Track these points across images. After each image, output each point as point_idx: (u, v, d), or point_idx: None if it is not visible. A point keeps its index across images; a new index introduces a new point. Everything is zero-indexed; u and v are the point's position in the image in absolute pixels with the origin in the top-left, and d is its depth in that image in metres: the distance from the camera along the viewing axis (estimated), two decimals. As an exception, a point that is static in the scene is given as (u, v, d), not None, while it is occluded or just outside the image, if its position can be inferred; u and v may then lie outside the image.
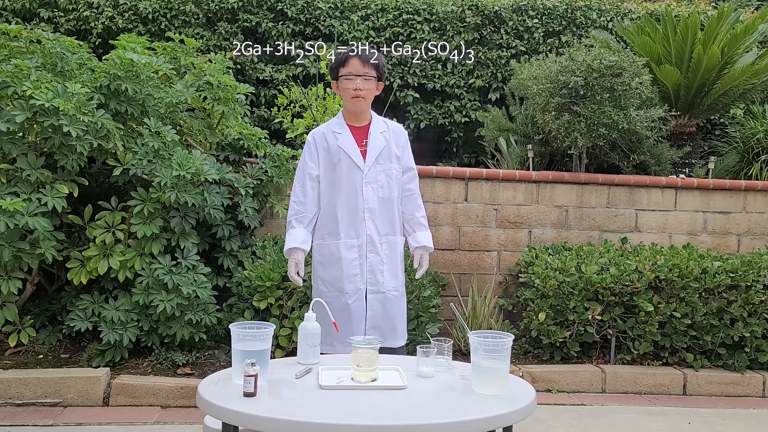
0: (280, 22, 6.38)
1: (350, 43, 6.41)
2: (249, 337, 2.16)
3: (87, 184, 4.15)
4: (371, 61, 3.09)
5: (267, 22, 6.31)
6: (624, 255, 4.74)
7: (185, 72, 4.88)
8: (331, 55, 6.03)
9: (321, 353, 2.49)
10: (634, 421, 3.98)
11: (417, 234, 3.24)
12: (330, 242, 3.15)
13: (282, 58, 6.43)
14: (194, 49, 4.98)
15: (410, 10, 6.50)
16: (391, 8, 6.48)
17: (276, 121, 5.86)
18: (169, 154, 4.14)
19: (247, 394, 2.00)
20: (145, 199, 4.12)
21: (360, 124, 3.20)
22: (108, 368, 4.03)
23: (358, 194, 3.13)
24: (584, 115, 5.12)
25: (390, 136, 3.22)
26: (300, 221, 3.14)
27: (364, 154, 3.14)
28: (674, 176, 5.56)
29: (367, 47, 3.20)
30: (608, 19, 6.70)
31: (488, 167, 5.85)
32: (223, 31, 6.28)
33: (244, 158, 4.87)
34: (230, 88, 4.63)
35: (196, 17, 6.25)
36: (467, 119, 6.51)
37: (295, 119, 5.66)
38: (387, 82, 6.46)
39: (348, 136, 3.16)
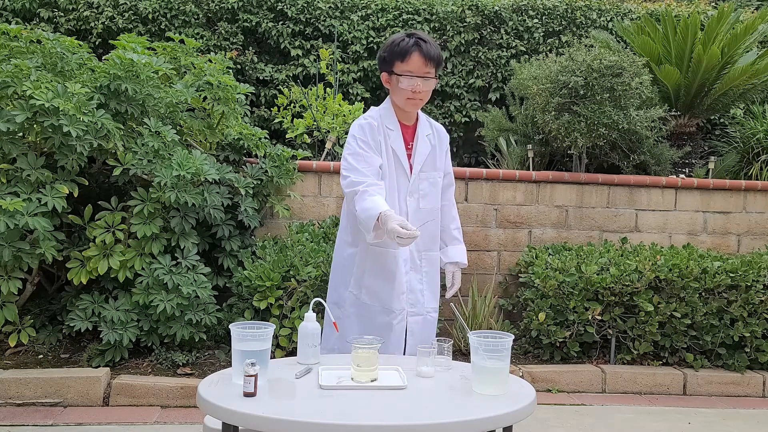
0: (280, 22, 6.38)
1: (350, 43, 6.41)
2: (249, 337, 2.15)
3: (87, 184, 4.15)
4: (434, 58, 2.69)
5: (267, 22, 6.31)
6: (624, 255, 4.74)
7: (185, 72, 4.88)
8: (331, 54, 6.03)
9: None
10: (634, 421, 3.98)
11: (449, 248, 2.95)
12: (385, 249, 2.72)
13: (282, 58, 6.43)
14: (194, 49, 4.98)
15: (410, 10, 6.50)
16: (391, 8, 6.48)
17: (276, 121, 5.86)
18: (169, 154, 4.14)
19: (247, 394, 2.00)
20: (145, 199, 4.12)
21: (409, 122, 2.84)
22: (108, 368, 4.03)
23: (401, 204, 2.77)
24: (584, 115, 5.12)
25: (435, 140, 2.88)
26: (379, 192, 2.58)
27: (409, 158, 2.80)
28: (674, 176, 5.56)
29: (429, 39, 2.71)
30: (608, 19, 6.70)
31: (488, 167, 5.85)
32: (223, 31, 6.28)
33: (244, 158, 4.87)
34: (230, 88, 4.63)
35: (196, 17, 6.25)
36: (467, 119, 6.51)
37: (295, 119, 5.66)
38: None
39: (398, 136, 2.79)
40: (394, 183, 2.76)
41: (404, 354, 2.79)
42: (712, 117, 6.69)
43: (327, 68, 5.98)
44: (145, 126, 4.17)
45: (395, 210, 2.68)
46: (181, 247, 4.22)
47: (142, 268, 4.10)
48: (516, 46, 6.55)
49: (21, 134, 4.02)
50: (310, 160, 5.18)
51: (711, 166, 5.75)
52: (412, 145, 2.82)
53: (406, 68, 2.67)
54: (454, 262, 2.94)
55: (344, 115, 5.49)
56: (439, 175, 2.88)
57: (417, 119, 2.86)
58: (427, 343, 2.68)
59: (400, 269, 2.75)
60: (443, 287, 2.99)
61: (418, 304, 2.84)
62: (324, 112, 5.62)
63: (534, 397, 2.13)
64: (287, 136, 5.66)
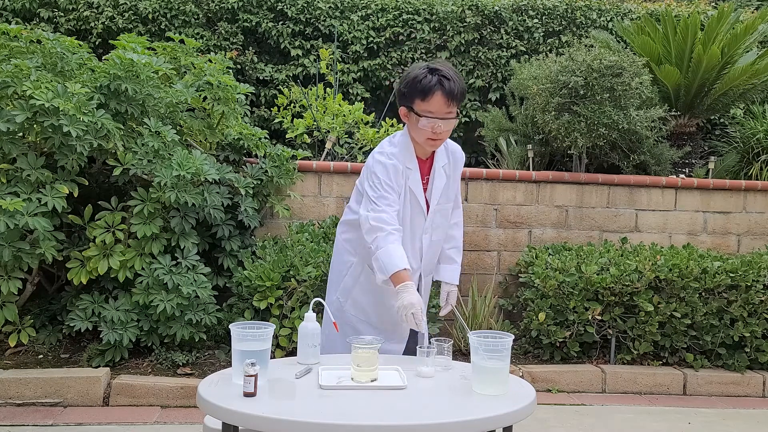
0: (280, 22, 6.38)
1: (350, 43, 6.41)
2: (249, 337, 2.16)
3: (87, 184, 4.15)
4: (457, 98, 2.52)
5: (267, 22, 6.31)
6: (624, 255, 4.74)
7: (185, 72, 4.88)
8: (331, 54, 6.03)
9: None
10: (634, 421, 3.98)
11: (440, 266, 2.89)
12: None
13: (282, 58, 6.43)
14: (194, 49, 4.98)
15: (410, 10, 6.50)
16: (391, 8, 6.48)
17: (276, 121, 5.86)
18: (169, 154, 4.14)
19: (247, 394, 2.00)
20: (145, 199, 4.12)
21: (425, 156, 2.71)
22: (108, 368, 4.03)
23: (416, 241, 2.71)
24: (584, 115, 5.12)
25: (450, 169, 2.76)
26: (399, 240, 2.52)
27: (425, 191, 2.70)
28: (674, 176, 5.56)
29: (452, 76, 2.51)
30: (608, 19, 6.70)
31: (488, 167, 5.84)
32: (223, 31, 6.28)
33: (244, 158, 4.87)
34: (230, 88, 4.62)
35: (196, 17, 6.25)
36: (467, 119, 6.51)
37: (295, 119, 5.66)
38: (387, 82, 6.47)
39: (417, 175, 2.66)
40: (412, 220, 2.68)
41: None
42: (712, 117, 6.69)
43: (327, 68, 5.98)
44: (145, 126, 4.17)
45: (410, 249, 2.64)
46: (181, 247, 4.22)
47: (142, 268, 4.10)
48: (516, 46, 6.55)
49: (21, 134, 4.02)
50: (310, 160, 5.18)
51: (711, 166, 5.75)
52: (428, 179, 2.71)
53: (427, 108, 2.50)
54: (448, 282, 2.87)
55: (344, 115, 5.49)
56: (451, 205, 2.80)
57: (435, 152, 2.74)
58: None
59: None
60: (437, 306, 2.97)
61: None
62: (324, 112, 5.62)
63: (534, 397, 2.13)
64: (287, 136, 5.66)
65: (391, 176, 2.58)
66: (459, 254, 2.93)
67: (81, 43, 4.55)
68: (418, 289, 2.73)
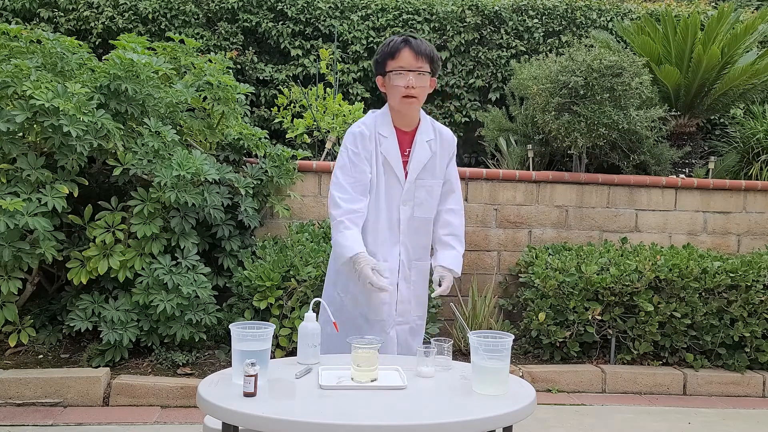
0: (280, 22, 6.38)
1: (350, 43, 6.42)
2: (249, 337, 2.15)
3: (87, 184, 4.15)
4: (425, 53, 2.63)
5: (267, 22, 6.31)
6: (624, 255, 4.74)
7: (185, 72, 4.88)
8: (331, 54, 6.03)
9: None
10: (634, 421, 3.98)
11: (438, 252, 2.83)
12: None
13: (282, 58, 6.43)
14: (194, 49, 4.98)
15: (410, 10, 6.50)
16: (391, 8, 6.49)
17: (276, 121, 5.86)
18: (169, 154, 4.14)
19: (247, 394, 2.00)
20: (145, 199, 4.12)
21: (407, 128, 2.73)
22: (108, 368, 4.03)
23: (394, 212, 2.72)
24: (584, 115, 5.12)
25: (437, 146, 2.76)
26: (355, 222, 2.61)
27: (404, 164, 2.71)
28: (674, 176, 5.56)
29: (419, 38, 2.67)
30: (608, 19, 6.71)
31: (488, 167, 5.85)
32: (223, 31, 6.28)
33: (244, 158, 4.87)
34: (230, 88, 4.63)
35: (196, 17, 6.25)
36: (467, 119, 6.51)
37: (295, 119, 5.66)
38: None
39: (393, 142, 2.70)
40: (388, 190, 2.70)
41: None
42: (712, 117, 6.70)
43: (327, 68, 5.98)
44: (145, 126, 4.17)
45: (387, 219, 2.69)
46: (181, 247, 4.22)
47: (142, 268, 4.10)
48: (516, 46, 6.55)
49: (21, 134, 4.02)
50: (310, 160, 5.18)
51: (711, 166, 5.75)
52: (410, 151, 2.72)
53: (396, 64, 2.63)
54: (441, 265, 2.78)
55: (344, 115, 5.49)
56: (438, 183, 2.78)
57: (419, 124, 2.75)
58: (413, 352, 2.67)
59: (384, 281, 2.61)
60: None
61: (406, 314, 2.78)
62: (324, 112, 5.62)
63: (534, 397, 2.13)
64: (287, 136, 5.66)
65: (358, 144, 2.66)
66: (458, 242, 2.84)
67: (81, 43, 4.55)
68: (406, 278, 2.75)
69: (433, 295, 2.80)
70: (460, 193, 2.90)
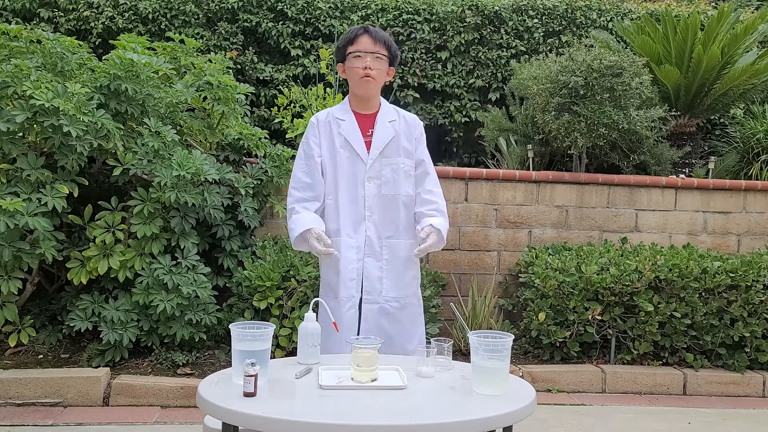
0: (280, 22, 6.38)
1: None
2: (249, 337, 2.15)
3: (87, 184, 4.15)
4: (383, 40, 2.78)
5: (267, 22, 6.31)
6: (624, 255, 4.74)
7: (185, 72, 4.88)
8: (331, 54, 6.03)
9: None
10: (634, 421, 3.98)
11: (426, 218, 2.80)
12: (332, 239, 2.77)
13: (282, 58, 6.43)
14: (194, 49, 4.98)
15: (410, 10, 6.50)
16: (391, 8, 6.48)
17: (276, 121, 5.86)
18: (169, 154, 4.14)
19: (247, 394, 2.00)
20: (145, 199, 4.12)
21: (367, 111, 2.86)
22: (108, 368, 4.03)
23: (359, 189, 2.81)
24: (584, 115, 5.12)
25: (400, 126, 2.87)
26: (306, 207, 2.77)
27: (368, 145, 2.81)
28: (674, 176, 5.56)
29: (378, 28, 2.85)
30: (608, 19, 6.71)
31: (488, 167, 5.85)
32: (223, 31, 6.28)
33: (244, 158, 4.87)
34: (230, 88, 4.63)
35: (196, 17, 6.25)
36: (467, 119, 6.51)
37: (295, 119, 5.66)
38: (386, 83, 6.46)
39: (352, 123, 2.83)
40: (352, 169, 2.81)
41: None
42: (712, 117, 6.70)
43: (327, 68, 5.98)
44: (145, 126, 4.18)
45: (348, 197, 2.80)
46: (181, 247, 4.22)
47: (142, 268, 4.10)
48: (516, 46, 6.55)
49: (21, 134, 4.02)
50: (310, 160, 5.17)
51: (711, 166, 5.75)
52: (372, 132, 2.84)
53: (355, 48, 2.77)
54: (430, 224, 2.75)
55: (344, 115, 5.48)
56: (404, 161, 2.84)
57: (380, 108, 2.88)
58: (381, 333, 2.70)
59: (347, 254, 2.77)
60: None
61: (374, 292, 2.78)
62: (324, 112, 5.60)
63: (534, 397, 2.13)
64: (287, 136, 5.66)
65: (308, 134, 2.86)
66: (443, 216, 2.84)
67: (81, 43, 4.55)
68: (375, 255, 2.79)
69: (414, 252, 2.78)
70: (435, 175, 2.95)
